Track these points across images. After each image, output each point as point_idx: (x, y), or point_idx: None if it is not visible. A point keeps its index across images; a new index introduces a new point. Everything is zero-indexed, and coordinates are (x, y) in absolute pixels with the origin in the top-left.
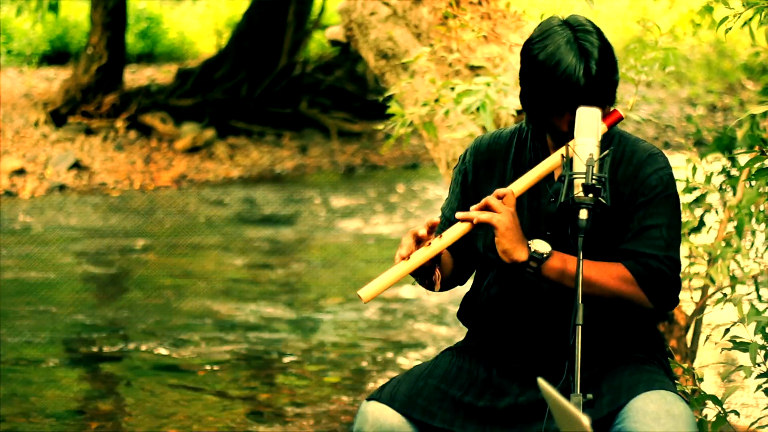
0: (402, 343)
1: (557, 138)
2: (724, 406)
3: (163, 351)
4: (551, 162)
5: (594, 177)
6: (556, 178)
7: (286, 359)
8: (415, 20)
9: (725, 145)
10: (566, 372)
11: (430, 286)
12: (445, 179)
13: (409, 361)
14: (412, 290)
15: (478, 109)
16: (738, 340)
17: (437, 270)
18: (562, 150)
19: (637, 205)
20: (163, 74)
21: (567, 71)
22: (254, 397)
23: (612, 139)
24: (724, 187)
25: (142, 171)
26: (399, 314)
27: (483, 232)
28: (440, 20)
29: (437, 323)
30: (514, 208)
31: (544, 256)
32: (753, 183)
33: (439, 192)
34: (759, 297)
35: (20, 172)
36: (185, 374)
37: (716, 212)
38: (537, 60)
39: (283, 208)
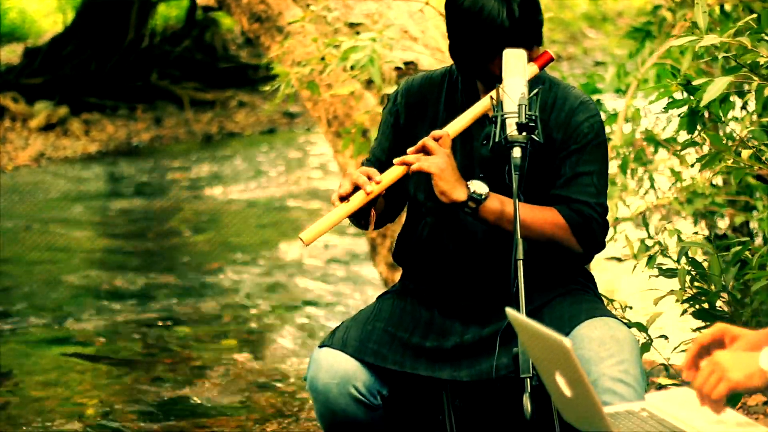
0: (292, 304)
1: (489, 82)
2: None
3: (54, 325)
4: (485, 103)
5: (527, 115)
6: (488, 121)
7: (180, 326)
8: None
9: (592, 89)
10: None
11: (365, 226)
12: (327, 137)
13: (302, 320)
14: (297, 250)
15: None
16: (664, 267)
17: (372, 211)
18: (492, 92)
19: (569, 151)
20: (7, 54)
21: (491, 15)
22: (156, 363)
23: (543, 84)
24: None
25: None
26: (284, 274)
27: (415, 174)
28: None
29: (323, 281)
30: (450, 149)
31: (483, 197)
32: (629, 124)
33: (298, 155)
34: (649, 234)
35: None
36: (83, 345)
37: None
38: (462, 8)
39: (148, 179)
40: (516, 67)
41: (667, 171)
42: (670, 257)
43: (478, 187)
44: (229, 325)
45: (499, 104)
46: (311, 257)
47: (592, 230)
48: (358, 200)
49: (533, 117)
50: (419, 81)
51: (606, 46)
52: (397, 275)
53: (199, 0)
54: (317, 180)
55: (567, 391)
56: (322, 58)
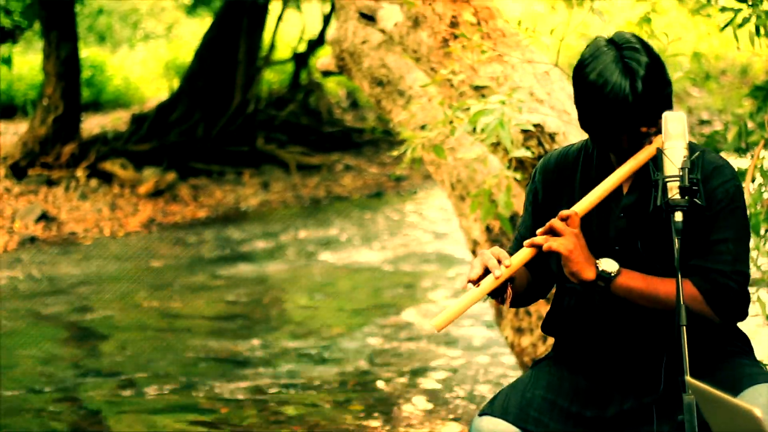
0: (413, 368)
1: (620, 155)
2: None
3: (177, 392)
4: (614, 179)
5: (689, 178)
6: (625, 191)
7: (306, 391)
8: (414, 45)
9: (712, 149)
10: (663, 375)
11: (502, 302)
12: (451, 200)
13: (428, 385)
14: (415, 315)
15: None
16: None
17: (509, 288)
18: (622, 167)
19: (703, 219)
20: (113, 121)
21: (614, 90)
22: (287, 429)
23: None
24: None
25: (109, 218)
26: (405, 339)
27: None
28: (440, 43)
29: (443, 346)
30: (579, 229)
31: (612, 275)
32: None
33: (406, 218)
34: None
35: None
36: (208, 413)
37: None
38: (587, 81)
39: (259, 244)
40: (676, 130)
41: None
42: None
43: (608, 265)
44: (353, 391)
45: (660, 166)
46: (428, 323)
47: (728, 299)
48: (487, 284)
49: (695, 180)
50: (555, 157)
51: (710, 105)
52: (524, 340)
53: (320, 66)
54: (426, 243)
55: None
56: (450, 122)
